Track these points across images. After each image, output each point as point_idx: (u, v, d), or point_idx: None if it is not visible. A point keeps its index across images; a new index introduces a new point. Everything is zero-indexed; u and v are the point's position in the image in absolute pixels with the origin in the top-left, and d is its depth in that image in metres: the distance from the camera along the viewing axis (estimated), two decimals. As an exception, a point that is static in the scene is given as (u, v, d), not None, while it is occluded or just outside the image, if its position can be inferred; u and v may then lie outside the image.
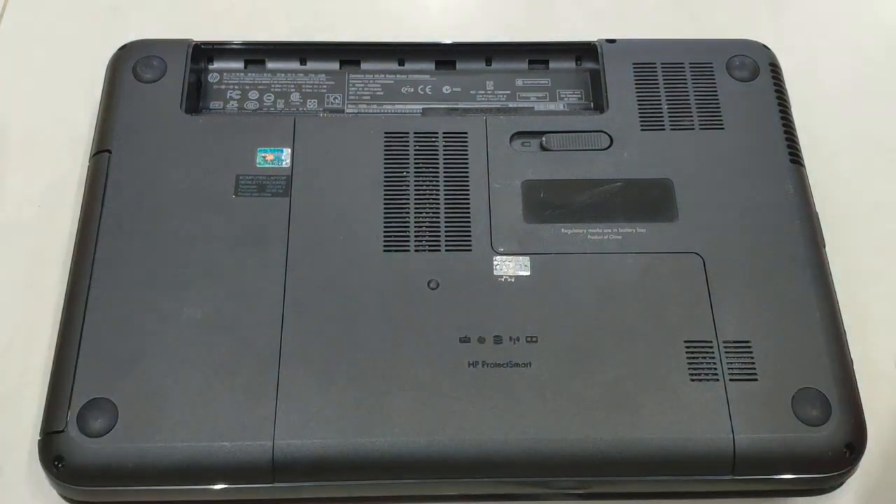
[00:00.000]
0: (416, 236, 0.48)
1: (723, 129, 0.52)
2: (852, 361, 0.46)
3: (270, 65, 0.56)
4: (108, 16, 0.63)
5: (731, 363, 0.45)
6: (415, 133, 0.51)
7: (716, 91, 0.53)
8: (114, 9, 0.64)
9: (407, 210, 0.49)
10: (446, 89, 0.55)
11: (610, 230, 0.49)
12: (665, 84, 0.54)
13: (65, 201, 0.54)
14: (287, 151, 0.50)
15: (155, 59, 0.53)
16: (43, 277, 0.52)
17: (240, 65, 0.56)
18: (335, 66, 0.56)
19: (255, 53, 0.56)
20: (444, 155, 0.51)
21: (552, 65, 0.56)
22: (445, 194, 0.50)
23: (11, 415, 0.48)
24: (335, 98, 0.55)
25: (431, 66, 0.56)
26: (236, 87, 0.55)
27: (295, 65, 0.56)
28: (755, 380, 0.45)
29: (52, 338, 0.47)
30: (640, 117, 0.52)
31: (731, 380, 0.45)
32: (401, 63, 0.56)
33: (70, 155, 0.56)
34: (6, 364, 0.50)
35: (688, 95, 0.53)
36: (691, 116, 0.53)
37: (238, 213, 0.48)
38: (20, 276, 0.53)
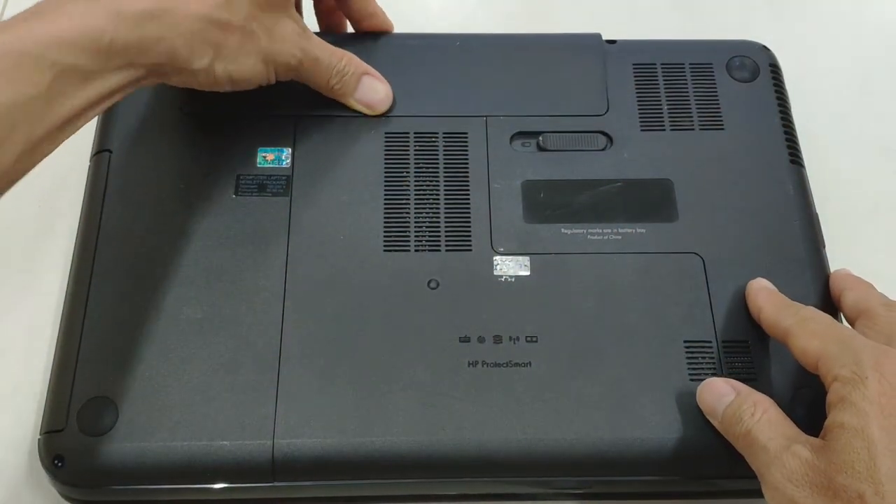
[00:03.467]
0: (416, 236, 0.48)
1: (723, 129, 0.52)
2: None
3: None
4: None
5: (730, 363, 0.45)
6: (415, 133, 0.51)
7: (716, 92, 0.53)
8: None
9: (407, 210, 0.49)
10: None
11: (610, 230, 0.49)
12: (665, 85, 0.54)
13: (65, 201, 0.54)
14: (287, 151, 0.50)
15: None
16: (43, 277, 0.52)
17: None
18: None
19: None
20: (445, 155, 0.51)
21: (553, 65, 0.56)
22: (445, 194, 0.50)
23: (12, 413, 0.48)
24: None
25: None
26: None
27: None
28: (754, 380, 0.45)
29: (53, 337, 0.47)
30: (641, 118, 0.52)
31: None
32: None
33: (70, 155, 0.56)
34: (7, 363, 0.50)
35: (688, 96, 0.53)
36: (691, 117, 0.53)
37: (238, 213, 0.48)
38: (21, 275, 0.53)
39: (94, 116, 0.41)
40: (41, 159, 0.39)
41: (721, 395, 0.42)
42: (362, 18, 0.54)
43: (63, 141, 0.40)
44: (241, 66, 0.45)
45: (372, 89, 0.51)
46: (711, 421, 0.43)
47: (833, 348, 0.40)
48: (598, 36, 0.55)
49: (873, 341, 0.41)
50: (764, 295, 0.46)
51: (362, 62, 0.51)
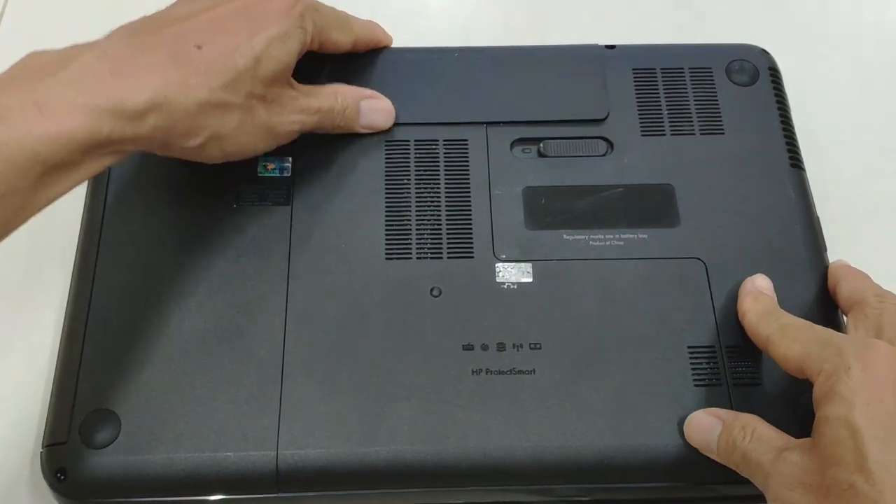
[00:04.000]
0: (417, 244, 0.48)
1: (723, 133, 0.52)
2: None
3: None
4: (109, 17, 0.63)
5: (733, 368, 0.45)
6: (415, 141, 0.51)
7: (716, 96, 0.53)
8: (114, 9, 0.63)
9: (408, 218, 0.49)
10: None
11: (612, 236, 0.49)
12: (665, 89, 0.54)
13: (64, 212, 0.54)
14: (288, 160, 0.50)
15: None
16: (44, 287, 0.52)
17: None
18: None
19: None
20: (445, 163, 0.51)
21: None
22: (447, 202, 0.49)
23: (13, 425, 0.48)
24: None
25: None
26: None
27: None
28: (758, 385, 0.45)
29: (54, 342, 0.47)
30: (641, 123, 0.52)
31: (734, 385, 0.45)
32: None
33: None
34: (6, 368, 0.50)
35: (688, 100, 0.53)
36: (691, 121, 0.52)
37: (240, 223, 0.48)
38: (21, 286, 0.53)
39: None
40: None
41: (708, 428, 0.42)
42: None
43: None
44: (238, 142, 0.44)
45: (374, 111, 0.51)
46: (710, 456, 0.42)
47: (814, 348, 0.40)
48: (597, 46, 0.55)
49: (859, 334, 0.41)
50: (749, 299, 0.46)
51: (354, 88, 0.50)
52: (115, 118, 0.38)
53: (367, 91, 0.51)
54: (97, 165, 0.39)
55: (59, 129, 0.36)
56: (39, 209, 0.38)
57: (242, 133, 0.44)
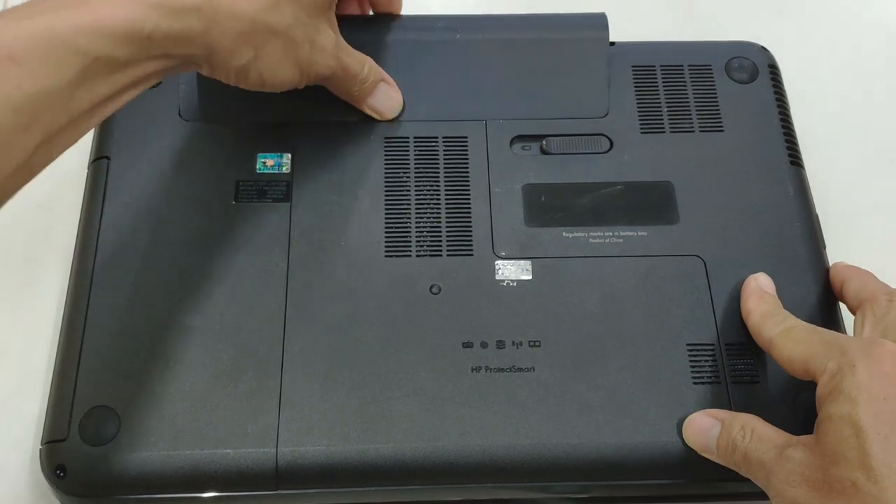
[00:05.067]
0: (417, 241, 0.48)
1: (722, 131, 0.52)
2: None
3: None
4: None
5: (732, 366, 0.45)
6: (415, 138, 0.51)
7: (715, 93, 0.53)
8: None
9: (408, 215, 0.49)
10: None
11: (611, 233, 0.49)
12: (664, 87, 0.54)
13: (64, 208, 0.54)
14: (287, 157, 0.50)
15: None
16: (43, 282, 0.52)
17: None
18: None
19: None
20: (445, 159, 0.51)
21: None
22: (446, 199, 0.49)
23: (12, 421, 0.48)
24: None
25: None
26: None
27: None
28: (757, 382, 0.45)
29: (53, 339, 0.47)
30: (640, 120, 0.52)
31: (733, 382, 0.45)
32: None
33: (69, 161, 0.56)
34: (5, 366, 0.50)
35: (687, 98, 0.53)
36: (691, 119, 0.53)
37: (238, 219, 0.48)
38: (20, 281, 0.53)
39: (119, 107, 0.39)
40: (58, 154, 0.38)
41: (706, 429, 0.42)
42: (381, 3, 0.54)
43: (83, 134, 0.38)
44: (276, 71, 0.44)
45: (387, 97, 0.51)
46: (709, 458, 0.42)
47: (819, 348, 0.40)
48: (603, 16, 0.54)
49: (865, 331, 0.42)
50: (754, 299, 0.46)
51: (380, 68, 0.51)
52: (158, 12, 0.37)
53: (388, 76, 0.51)
54: (141, 71, 0.38)
55: (99, 18, 0.36)
56: (84, 111, 0.37)
57: (283, 62, 0.44)
